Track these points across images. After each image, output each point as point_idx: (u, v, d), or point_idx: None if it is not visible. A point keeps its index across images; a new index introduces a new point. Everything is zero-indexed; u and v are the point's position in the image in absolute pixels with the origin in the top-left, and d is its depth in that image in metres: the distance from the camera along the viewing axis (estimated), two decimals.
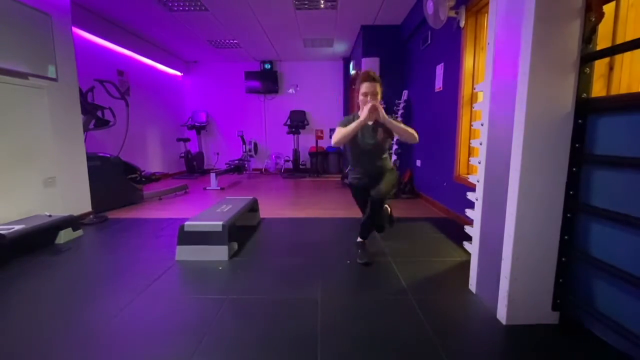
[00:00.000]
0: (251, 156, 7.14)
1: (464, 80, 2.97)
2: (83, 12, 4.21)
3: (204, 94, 7.37)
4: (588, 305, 1.30)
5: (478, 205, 1.67)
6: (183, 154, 6.72)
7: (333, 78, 7.11)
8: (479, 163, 1.65)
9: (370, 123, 2.01)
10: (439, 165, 3.61)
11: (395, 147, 4.59)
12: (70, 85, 3.04)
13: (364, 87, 2.00)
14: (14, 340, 1.33)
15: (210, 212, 2.47)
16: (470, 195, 1.83)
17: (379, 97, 2.02)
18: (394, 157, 4.62)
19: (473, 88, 2.93)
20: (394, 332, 1.36)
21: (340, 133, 1.99)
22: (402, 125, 2.00)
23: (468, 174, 2.98)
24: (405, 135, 2.00)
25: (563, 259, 1.37)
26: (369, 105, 1.92)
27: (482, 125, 1.63)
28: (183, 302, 1.63)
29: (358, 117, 1.98)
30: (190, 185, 5.10)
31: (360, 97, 2.02)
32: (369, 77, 2.02)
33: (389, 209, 2.46)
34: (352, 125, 1.95)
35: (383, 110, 1.93)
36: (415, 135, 2.01)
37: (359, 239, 2.25)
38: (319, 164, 6.85)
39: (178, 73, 7.01)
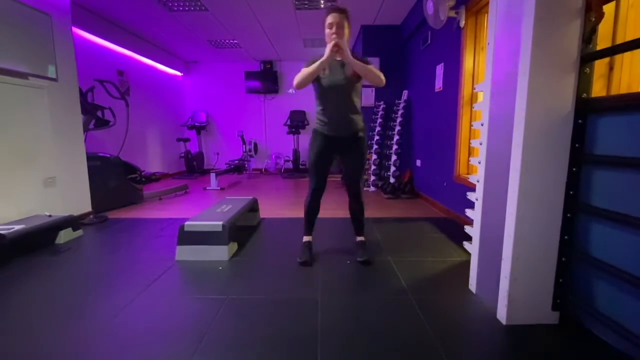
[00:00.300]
0: (251, 156, 7.14)
1: (464, 80, 2.97)
2: (83, 12, 4.21)
3: (204, 94, 7.37)
4: (588, 305, 1.30)
5: (478, 205, 1.67)
6: (183, 154, 6.72)
7: None
8: (479, 163, 1.65)
9: (337, 59, 1.89)
10: (439, 165, 3.61)
11: (395, 147, 4.59)
12: (70, 85, 3.04)
13: (329, 18, 1.85)
14: (14, 340, 1.33)
15: (210, 212, 2.47)
16: (470, 195, 1.83)
17: (346, 31, 1.87)
18: (393, 157, 4.62)
19: (473, 88, 2.93)
20: (394, 332, 1.36)
21: (301, 73, 1.84)
22: (369, 67, 1.85)
23: (468, 174, 2.98)
24: (371, 77, 1.84)
25: (563, 259, 1.37)
26: (331, 44, 1.79)
27: (482, 125, 1.63)
28: (183, 302, 1.63)
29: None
30: (190, 185, 5.10)
31: (326, 31, 1.88)
32: (334, 9, 1.87)
33: (365, 242, 2.28)
34: (315, 64, 1.80)
35: (348, 49, 1.81)
36: (382, 77, 1.87)
37: (305, 238, 2.20)
38: None
39: (178, 73, 7.01)
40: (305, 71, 1.83)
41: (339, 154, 2.07)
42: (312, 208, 2.15)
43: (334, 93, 1.93)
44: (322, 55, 1.85)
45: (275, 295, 1.69)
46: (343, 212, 3.47)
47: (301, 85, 1.85)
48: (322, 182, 2.05)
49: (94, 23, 4.44)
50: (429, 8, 3.00)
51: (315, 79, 1.90)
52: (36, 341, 1.32)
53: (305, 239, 2.23)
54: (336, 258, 2.18)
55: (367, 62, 1.89)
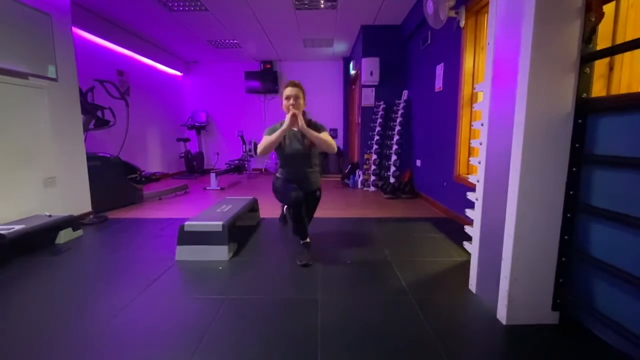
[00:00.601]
0: (251, 156, 7.14)
1: (464, 80, 2.97)
2: (83, 12, 4.21)
3: (204, 94, 7.37)
4: (588, 305, 1.30)
5: (478, 205, 1.67)
6: (183, 154, 6.72)
7: (333, 78, 7.12)
8: (479, 163, 1.65)
9: (295, 129, 2.13)
10: (439, 165, 3.61)
11: (395, 147, 4.59)
12: (70, 85, 3.04)
13: (287, 91, 2.13)
14: (14, 340, 1.33)
15: (210, 212, 2.47)
16: (470, 195, 1.83)
17: (302, 102, 2.14)
18: (393, 157, 4.62)
19: (473, 88, 2.93)
20: (394, 332, 1.36)
21: (264, 141, 2.11)
22: (321, 135, 2.10)
23: (468, 174, 2.98)
24: (322, 145, 2.11)
25: (563, 259, 1.37)
26: (290, 114, 2.05)
27: (482, 125, 1.63)
28: (183, 302, 1.63)
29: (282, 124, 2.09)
30: (190, 185, 5.10)
31: (284, 102, 2.15)
32: (291, 83, 2.16)
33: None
34: (276, 133, 2.08)
35: (302, 119, 2.06)
36: (333, 145, 2.12)
37: (305, 240, 2.24)
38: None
39: (178, 73, 7.01)
40: (267, 140, 2.10)
41: None
42: (300, 218, 2.14)
43: (295, 159, 2.21)
44: (280, 124, 2.12)
45: (275, 295, 1.69)
46: (343, 212, 3.48)
47: (265, 153, 2.12)
48: (301, 194, 2.10)
49: (94, 23, 4.44)
50: (429, 8, 3.00)
51: (277, 146, 2.17)
52: (36, 341, 1.32)
53: (303, 241, 2.24)
54: (336, 258, 2.18)
55: (319, 130, 2.16)
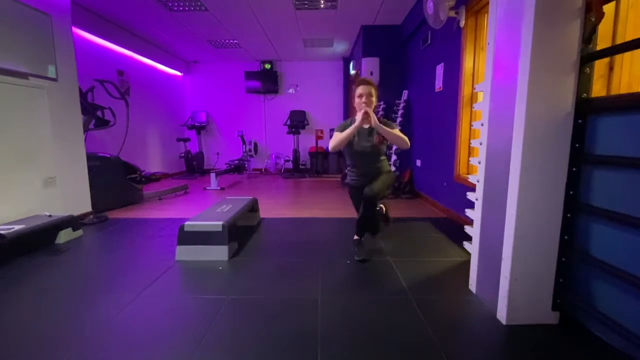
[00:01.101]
0: (251, 156, 7.14)
1: (464, 80, 2.97)
2: (83, 12, 4.21)
3: (204, 94, 7.37)
4: (588, 305, 1.30)
5: (478, 205, 1.67)
6: (183, 154, 6.72)
7: (333, 78, 7.12)
8: (479, 163, 1.65)
9: (365, 127, 2.11)
10: (439, 165, 3.60)
11: (395, 147, 4.59)
12: (70, 85, 3.04)
13: (359, 90, 2.10)
14: (14, 340, 1.33)
15: (210, 212, 2.47)
16: (470, 195, 1.83)
17: (374, 99, 2.11)
18: (393, 157, 4.62)
19: (473, 88, 2.93)
20: (394, 332, 1.36)
21: (336, 138, 2.11)
22: (394, 131, 2.07)
23: (468, 174, 2.98)
24: (396, 141, 2.08)
25: (563, 259, 1.37)
26: (362, 112, 2.03)
27: (482, 125, 1.63)
28: (183, 302, 1.63)
29: (354, 121, 2.07)
30: (190, 185, 5.10)
31: (356, 100, 2.13)
32: (363, 81, 2.13)
33: (383, 209, 2.51)
34: (348, 131, 2.07)
35: (375, 117, 2.03)
36: (407, 141, 2.09)
37: (355, 237, 2.30)
38: (319, 164, 6.86)
39: (178, 73, 7.01)
40: (339, 136, 2.10)
41: None
42: (365, 223, 2.24)
43: (363, 158, 2.21)
44: (351, 121, 2.13)
45: (275, 295, 1.69)
46: (343, 212, 3.48)
47: (336, 148, 2.13)
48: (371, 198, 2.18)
49: (94, 23, 4.44)
50: (429, 8, 3.00)
51: (346, 145, 2.16)
52: (36, 341, 1.32)
53: (356, 237, 2.30)
54: (336, 258, 2.18)
55: (390, 126, 2.11)
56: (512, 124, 1.36)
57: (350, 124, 2.11)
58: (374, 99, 2.11)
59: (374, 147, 2.16)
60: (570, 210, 1.34)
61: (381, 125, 2.04)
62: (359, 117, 2.04)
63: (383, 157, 2.25)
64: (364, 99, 2.07)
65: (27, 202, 2.59)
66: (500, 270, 1.43)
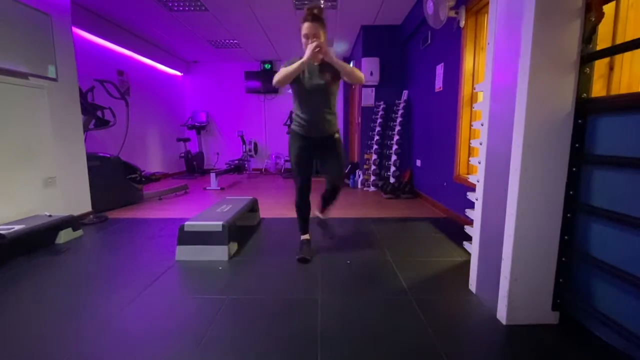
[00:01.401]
0: (251, 156, 7.14)
1: (464, 80, 2.97)
2: (83, 12, 4.21)
3: (204, 94, 7.37)
4: (588, 305, 1.30)
5: (478, 205, 1.67)
6: (183, 154, 6.72)
7: None
8: (479, 163, 1.65)
9: (315, 64, 1.94)
10: (439, 165, 3.61)
11: (395, 147, 4.59)
12: (70, 85, 3.04)
13: (304, 28, 1.86)
14: (13, 340, 1.33)
15: (210, 212, 2.47)
16: (470, 195, 1.83)
17: (322, 39, 1.88)
18: (393, 157, 4.62)
19: (473, 88, 2.93)
20: (394, 332, 1.36)
21: (282, 72, 1.86)
22: (349, 67, 1.92)
23: (468, 174, 2.98)
24: (352, 75, 1.90)
25: (563, 259, 1.37)
26: (313, 44, 1.80)
27: (482, 125, 1.63)
28: (183, 302, 1.63)
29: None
30: (190, 185, 5.10)
31: (303, 40, 1.90)
32: (310, 16, 1.85)
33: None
34: (296, 64, 1.83)
35: (330, 50, 1.83)
36: (361, 75, 1.93)
37: (304, 237, 2.26)
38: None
39: (178, 73, 7.01)
40: (285, 70, 1.85)
41: (317, 156, 2.14)
42: (303, 207, 2.21)
43: (314, 95, 1.98)
44: (298, 59, 1.88)
45: (275, 295, 1.69)
46: (343, 212, 3.47)
47: (281, 83, 1.88)
48: (307, 181, 2.12)
49: (94, 23, 4.44)
50: (429, 8, 3.00)
51: (295, 81, 1.94)
52: (36, 341, 1.32)
53: (303, 237, 2.25)
54: (336, 258, 2.18)
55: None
56: (512, 123, 1.36)
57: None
58: (322, 37, 1.87)
59: (326, 85, 1.94)
60: (570, 210, 1.34)
61: (335, 58, 1.86)
62: (307, 51, 1.82)
63: (334, 104, 2.04)
64: (309, 41, 1.84)
65: (27, 202, 2.59)
66: (500, 270, 1.43)
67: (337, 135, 2.12)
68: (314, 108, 1.99)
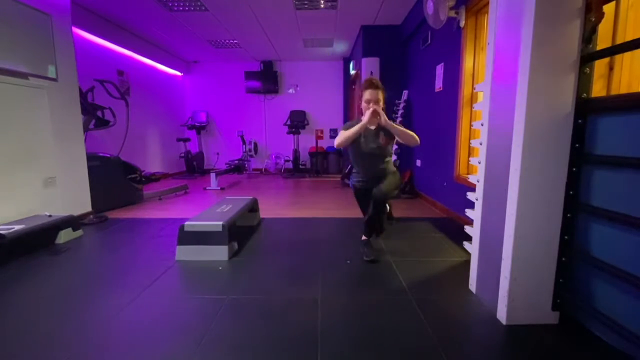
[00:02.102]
0: (251, 156, 7.14)
1: (464, 80, 2.97)
2: (83, 12, 4.21)
3: (204, 94, 7.37)
4: (588, 305, 1.30)
5: (478, 205, 1.67)
6: (183, 154, 6.72)
7: (333, 78, 7.12)
8: (479, 163, 1.65)
9: (372, 128, 2.11)
10: (439, 165, 3.61)
11: (395, 147, 4.59)
12: (70, 85, 3.04)
13: (367, 94, 2.06)
14: (13, 340, 1.33)
15: (210, 212, 2.47)
16: (470, 195, 1.83)
17: (381, 103, 2.08)
18: (393, 157, 4.62)
19: (473, 88, 2.93)
20: (394, 332, 1.36)
21: (343, 135, 2.07)
22: (404, 129, 2.06)
23: (468, 174, 2.98)
24: (407, 139, 2.05)
25: (563, 259, 1.37)
26: (371, 110, 1.99)
27: (482, 125, 1.63)
28: (183, 302, 1.63)
29: (360, 122, 2.04)
30: (190, 185, 5.10)
31: (363, 104, 2.09)
32: (371, 85, 2.07)
33: (388, 207, 2.49)
34: (355, 128, 2.02)
35: (385, 115, 2.00)
36: (417, 138, 2.06)
37: (363, 237, 2.31)
38: (319, 164, 6.86)
39: (178, 73, 7.01)
40: (346, 133, 2.06)
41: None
42: (373, 223, 2.25)
43: (369, 160, 2.19)
44: (357, 121, 2.07)
45: (275, 295, 1.69)
46: (343, 212, 3.48)
47: (342, 145, 2.08)
48: (367, 208, 2.21)
49: (94, 23, 4.44)
50: (429, 8, 3.00)
51: (353, 144, 2.13)
52: (36, 341, 1.32)
53: (364, 238, 2.32)
54: (336, 258, 2.18)
55: (399, 125, 2.11)
56: (512, 124, 1.36)
57: (357, 124, 2.06)
58: (381, 103, 2.07)
59: (380, 148, 2.14)
60: (570, 210, 1.34)
61: (391, 123, 2.01)
62: (365, 116, 2.01)
63: (388, 159, 2.24)
64: (371, 105, 2.03)
65: (27, 202, 2.59)
66: (500, 270, 1.43)
67: (392, 170, 2.27)
68: (371, 166, 2.20)
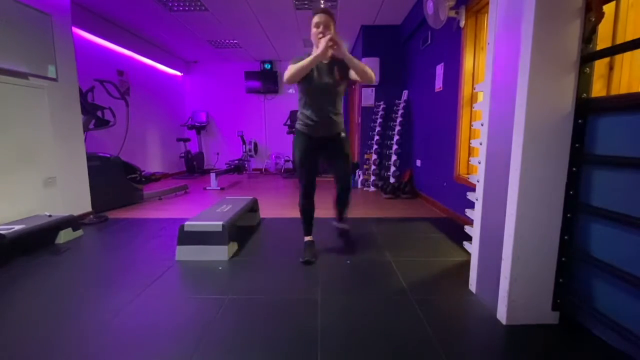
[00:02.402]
0: (251, 156, 7.14)
1: (464, 80, 2.97)
2: (83, 12, 4.21)
3: (204, 94, 7.37)
4: (588, 305, 1.30)
5: (478, 205, 1.67)
6: (183, 154, 6.72)
7: None
8: (479, 163, 1.65)
9: (325, 62, 1.93)
10: (439, 165, 3.61)
11: (395, 147, 4.59)
12: (70, 85, 3.04)
13: (317, 18, 1.86)
14: (13, 340, 1.33)
15: (210, 212, 2.47)
16: (470, 195, 1.83)
17: (333, 32, 1.87)
18: (393, 157, 4.62)
19: (473, 88, 2.93)
20: (394, 332, 1.36)
21: (293, 68, 1.81)
22: (361, 62, 1.87)
23: (468, 174, 2.98)
24: (363, 73, 1.86)
25: (563, 259, 1.37)
26: (326, 38, 1.77)
27: (482, 125, 1.63)
28: (183, 302, 1.63)
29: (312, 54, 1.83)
30: (190, 185, 5.10)
31: (313, 30, 1.88)
32: (320, 9, 1.89)
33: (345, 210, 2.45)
34: (309, 59, 1.79)
35: (343, 45, 1.81)
36: (373, 75, 1.90)
37: (307, 238, 2.25)
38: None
39: (178, 73, 7.01)
40: (297, 65, 1.80)
41: (323, 156, 2.13)
42: (307, 209, 2.19)
43: (321, 95, 1.96)
44: (306, 56, 1.84)
45: (275, 295, 1.69)
46: None
47: (293, 79, 1.83)
48: (312, 182, 2.09)
49: (94, 23, 4.44)
50: (429, 8, 3.00)
51: (304, 79, 1.89)
52: (36, 341, 1.32)
53: (306, 239, 2.24)
54: (336, 258, 2.18)
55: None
56: (512, 123, 1.36)
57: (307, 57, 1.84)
58: (332, 32, 1.86)
59: (335, 84, 1.93)
60: (570, 210, 1.34)
61: (349, 55, 1.83)
62: (320, 45, 1.78)
63: (340, 104, 2.03)
64: (321, 29, 1.83)
65: (27, 202, 2.59)
66: (500, 270, 1.43)
67: (343, 135, 2.10)
68: (321, 108, 1.97)
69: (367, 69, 1.88)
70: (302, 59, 1.84)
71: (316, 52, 1.80)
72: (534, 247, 1.35)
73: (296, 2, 4.08)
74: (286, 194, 4.72)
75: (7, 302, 1.65)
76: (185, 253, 2.16)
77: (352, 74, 1.92)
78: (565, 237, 1.35)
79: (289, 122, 6.93)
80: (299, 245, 2.28)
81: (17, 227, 2.21)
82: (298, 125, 2.06)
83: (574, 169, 1.32)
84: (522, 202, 1.32)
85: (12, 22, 2.47)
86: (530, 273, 1.37)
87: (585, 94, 1.29)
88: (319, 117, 1.97)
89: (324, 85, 1.92)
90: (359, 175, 5.17)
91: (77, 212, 2.97)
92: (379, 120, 4.93)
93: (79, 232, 2.69)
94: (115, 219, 3.23)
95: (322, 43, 1.77)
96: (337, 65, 1.93)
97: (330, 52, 1.82)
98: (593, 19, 1.24)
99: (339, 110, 2.02)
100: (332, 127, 2.02)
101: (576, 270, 1.36)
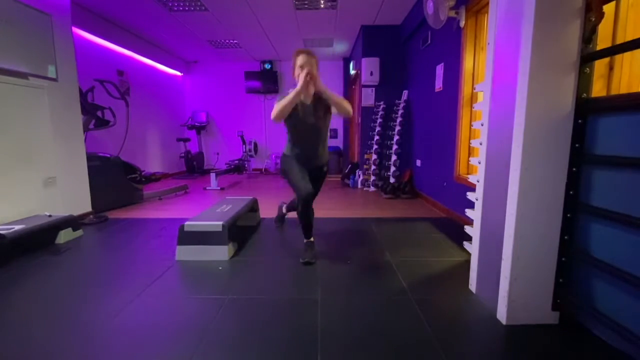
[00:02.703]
0: (251, 156, 7.14)
1: (464, 80, 2.97)
2: (83, 12, 4.21)
3: (204, 94, 7.37)
4: (588, 305, 1.30)
5: (478, 205, 1.67)
6: (183, 154, 6.73)
7: (333, 78, 7.12)
8: (479, 163, 1.65)
9: (308, 103, 2.05)
10: (439, 165, 3.61)
11: (395, 147, 4.59)
12: (70, 85, 3.04)
13: (300, 59, 1.97)
14: (13, 340, 1.33)
15: (210, 212, 2.47)
16: (470, 195, 1.83)
17: (315, 72, 1.98)
18: (393, 157, 4.62)
19: (473, 88, 2.93)
20: (394, 332, 1.36)
21: (279, 105, 1.92)
22: (338, 97, 1.99)
23: (468, 174, 2.98)
24: (341, 107, 1.98)
25: (563, 259, 1.37)
26: (304, 72, 1.89)
27: (482, 125, 1.63)
28: (183, 302, 1.63)
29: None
30: (190, 185, 5.10)
31: (296, 71, 2.00)
32: (305, 51, 2.00)
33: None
34: (290, 96, 1.90)
35: (320, 80, 1.92)
36: (350, 109, 2.01)
37: (309, 239, 2.24)
38: None
39: (178, 73, 7.01)
40: (282, 103, 1.92)
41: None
42: (307, 216, 2.15)
43: (307, 133, 2.10)
44: (294, 88, 1.95)
45: (275, 295, 1.69)
46: (343, 212, 3.48)
47: (280, 117, 1.94)
48: (310, 189, 2.07)
49: (94, 23, 4.44)
50: (429, 8, 3.00)
51: (289, 119, 2.02)
52: (36, 341, 1.32)
53: (307, 240, 2.24)
54: (336, 258, 2.18)
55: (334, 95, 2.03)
56: (512, 123, 1.36)
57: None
58: (315, 72, 1.97)
59: (319, 122, 2.06)
60: (570, 210, 1.34)
61: (326, 89, 1.93)
62: (300, 80, 1.91)
63: (326, 138, 2.18)
64: (305, 70, 1.92)
65: (27, 202, 2.59)
66: (500, 270, 1.43)
67: (325, 169, 2.31)
68: (308, 144, 2.13)
69: (344, 102, 2.00)
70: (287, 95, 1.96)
71: (297, 88, 1.92)
72: (534, 247, 1.35)
73: (296, 2, 4.08)
74: (286, 194, 4.72)
75: (7, 302, 1.65)
76: (185, 253, 2.16)
77: (333, 108, 2.05)
78: (565, 237, 1.35)
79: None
80: (299, 245, 2.28)
81: (17, 227, 2.21)
82: (288, 152, 2.20)
83: (574, 169, 1.32)
84: (522, 202, 1.32)
85: (12, 22, 2.47)
86: (530, 273, 1.37)
87: (585, 94, 1.29)
88: (306, 152, 2.15)
89: (309, 126, 2.07)
90: (359, 175, 5.17)
91: (77, 212, 2.97)
92: (379, 120, 4.93)
93: (79, 232, 2.69)
94: (115, 219, 3.23)
95: (301, 77, 1.92)
96: (319, 103, 2.06)
97: (310, 86, 1.96)
98: (593, 19, 1.24)
99: (325, 144, 2.20)
100: (318, 159, 2.20)
101: (576, 270, 1.36)
